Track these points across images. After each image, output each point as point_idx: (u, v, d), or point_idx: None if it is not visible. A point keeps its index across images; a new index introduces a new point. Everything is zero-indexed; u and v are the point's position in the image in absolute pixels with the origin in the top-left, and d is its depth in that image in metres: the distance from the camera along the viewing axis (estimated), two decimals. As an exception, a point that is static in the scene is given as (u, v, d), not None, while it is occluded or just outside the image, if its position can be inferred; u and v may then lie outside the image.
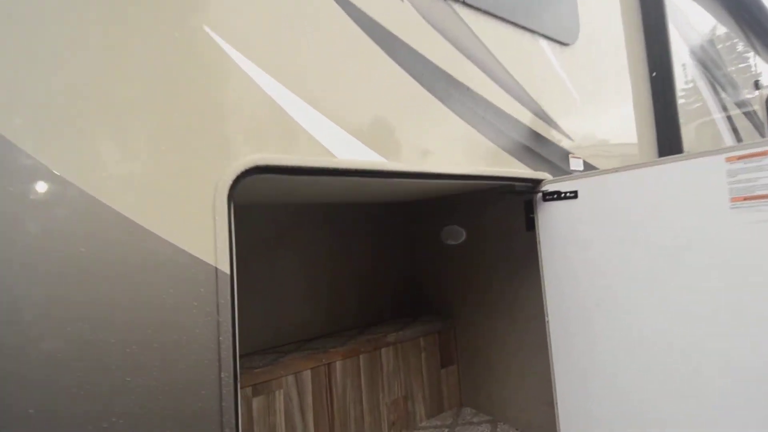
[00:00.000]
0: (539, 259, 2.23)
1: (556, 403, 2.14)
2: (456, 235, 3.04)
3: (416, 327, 2.89)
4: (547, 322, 2.20)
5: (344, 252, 3.12)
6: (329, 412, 2.43)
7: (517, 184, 2.13)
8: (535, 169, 2.18)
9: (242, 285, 2.66)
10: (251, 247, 2.66)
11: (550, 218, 2.18)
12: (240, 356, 2.42)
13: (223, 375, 1.14)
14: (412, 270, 3.49)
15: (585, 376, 2.04)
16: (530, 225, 2.56)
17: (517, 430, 2.63)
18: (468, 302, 2.98)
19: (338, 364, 2.49)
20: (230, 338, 1.16)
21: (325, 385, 2.43)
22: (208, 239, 1.14)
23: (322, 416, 2.40)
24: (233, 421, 1.15)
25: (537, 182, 2.16)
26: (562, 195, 2.11)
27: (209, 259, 1.14)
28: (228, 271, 1.17)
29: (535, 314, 2.50)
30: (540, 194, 2.19)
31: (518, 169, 2.09)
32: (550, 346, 2.17)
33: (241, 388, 2.08)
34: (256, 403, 2.17)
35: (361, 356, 2.59)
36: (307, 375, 2.36)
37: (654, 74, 3.12)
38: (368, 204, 3.28)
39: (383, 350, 2.69)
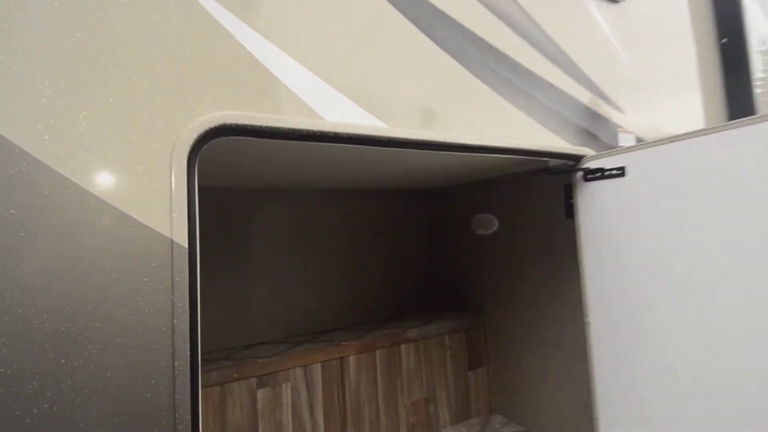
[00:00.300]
0: (578, 251, 1.92)
1: (596, 419, 1.83)
2: (487, 225, 2.76)
3: (441, 323, 2.65)
4: (587, 323, 1.89)
5: (364, 241, 2.94)
6: (341, 410, 2.26)
7: (552, 161, 1.83)
8: (576, 145, 1.87)
9: (251, 273, 2.63)
10: (261, 233, 2.55)
11: (593, 202, 1.86)
12: (247, 346, 2.33)
13: (177, 364, 0.99)
14: (439, 262, 3.24)
15: (633, 390, 1.71)
16: (570, 212, 2.24)
17: (552, 444, 2.32)
18: (500, 299, 2.69)
19: (352, 359, 2.31)
20: (187, 321, 1.00)
21: (337, 380, 2.26)
22: (162, 207, 1.00)
23: (333, 414, 2.23)
24: (188, 418, 0.99)
25: (577, 159, 1.85)
26: (607, 173, 1.79)
27: (163, 230, 0.99)
28: (186, 245, 1.02)
29: (578, 315, 2.18)
30: (581, 173, 1.87)
31: (553, 143, 1.79)
32: (591, 352, 1.86)
33: (240, 378, 1.98)
34: (261, 395, 2.04)
35: (377, 352, 2.39)
36: (317, 368, 2.21)
37: (724, 41, 2.64)
38: (391, 191, 3.07)
39: (403, 347, 2.48)
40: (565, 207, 2.27)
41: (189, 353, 1.01)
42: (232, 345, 2.38)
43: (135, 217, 0.96)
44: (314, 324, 2.67)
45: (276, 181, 2.33)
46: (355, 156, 1.63)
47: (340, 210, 2.86)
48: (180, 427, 0.98)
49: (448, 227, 3.20)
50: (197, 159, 1.08)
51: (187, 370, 1.00)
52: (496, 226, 2.71)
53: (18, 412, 0.85)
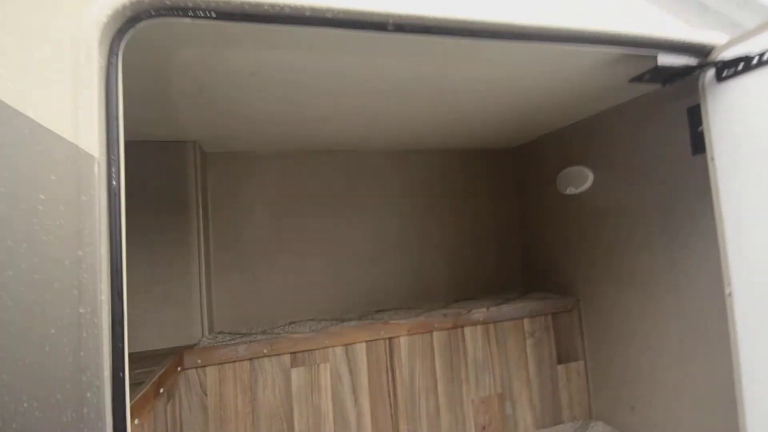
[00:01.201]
0: (714, 193, 1.30)
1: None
2: (579, 180, 2.16)
3: (518, 304, 2.14)
4: (729, 295, 1.27)
5: (430, 208, 2.54)
6: (391, 401, 1.91)
7: (663, 55, 1.24)
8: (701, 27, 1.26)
9: (292, 242, 2.42)
10: (303, 199, 2.32)
11: (734, 114, 1.24)
12: (288, 324, 2.10)
13: (83, 311, 0.74)
14: (523, 234, 2.70)
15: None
16: (698, 144, 1.59)
17: (679, 469, 1.68)
18: (600, 274, 2.08)
19: (403, 341, 1.95)
20: (97, 254, 0.75)
21: (386, 365, 1.92)
22: (64, 103, 0.76)
23: (382, 404, 1.90)
24: (103, 387, 0.74)
25: (704, 51, 1.24)
26: (756, 62, 1.15)
27: (65, 133, 0.75)
28: (96, 154, 0.77)
29: (713, 291, 1.52)
30: (712, 71, 1.25)
31: (661, 26, 1.20)
32: (735, 338, 1.24)
33: (270, 354, 1.75)
34: (295, 375, 1.79)
35: (434, 334, 1.99)
36: (362, 349, 1.89)
37: None
38: (456, 150, 2.62)
39: (467, 330, 2.04)
40: (691, 138, 1.62)
41: (108, 302, 0.76)
42: (274, 323, 2.19)
43: (30, 116, 0.74)
44: (370, 306, 2.36)
45: (296, 135, 2.07)
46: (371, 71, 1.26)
47: (398, 173, 2.51)
48: (89, 394, 0.73)
49: (527, 190, 2.64)
50: (120, 48, 0.82)
51: (100, 321, 0.75)
52: (590, 180, 2.11)
53: None
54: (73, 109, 0.76)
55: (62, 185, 0.74)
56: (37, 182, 0.72)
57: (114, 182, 0.80)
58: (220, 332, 2.01)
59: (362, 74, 1.35)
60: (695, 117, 1.60)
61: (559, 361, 2.17)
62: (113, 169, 0.79)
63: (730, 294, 1.27)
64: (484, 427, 2.02)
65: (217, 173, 2.20)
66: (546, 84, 1.57)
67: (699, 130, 1.59)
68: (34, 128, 0.72)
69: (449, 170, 2.61)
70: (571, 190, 2.21)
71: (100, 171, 0.78)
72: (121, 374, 0.78)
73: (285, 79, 1.33)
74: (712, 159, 1.29)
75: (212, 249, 2.15)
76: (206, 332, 1.91)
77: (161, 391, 1.32)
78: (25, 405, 0.66)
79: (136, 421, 1.07)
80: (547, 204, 2.45)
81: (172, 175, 1.90)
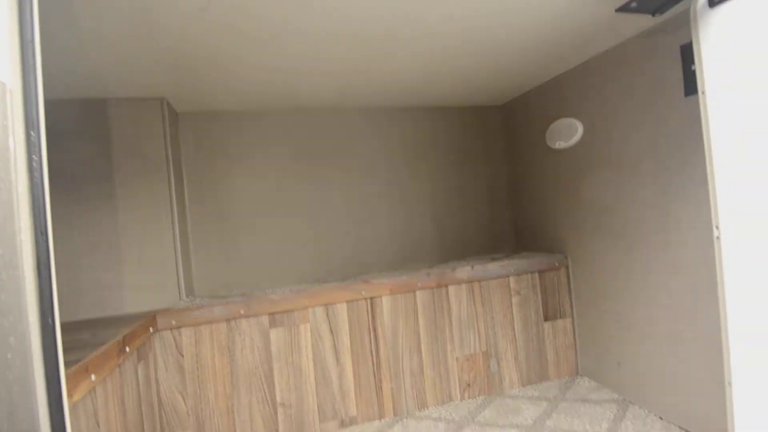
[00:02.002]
0: (704, 131, 1.23)
1: (729, 383, 1.18)
2: (568, 133, 2.08)
3: (504, 262, 2.09)
4: (717, 239, 1.21)
5: (417, 168, 2.47)
6: (374, 360, 1.89)
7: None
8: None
9: (274, 204, 2.27)
10: (285, 158, 2.24)
11: (727, 44, 1.14)
12: (268, 287, 2.06)
13: (0, 251, 0.68)
14: (512, 193, 2.63)
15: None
16: (691, 84, 1.50)
17: (661, 418, 1.67)
18: (589, 231, 2.02)
19: (385, 301, 1.91)
20: (13, 189, 0.68)
21: (368, 324, 1.89)
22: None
23: (365, 363, 1.88)
24: (28, 332, 0.68)
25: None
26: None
27: (-35, 54, 0.67)
28: (8, 82, 0.69)
29: (702, 242, 1.47)
30: (703, -4, 1.15)
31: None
32: (721, 280, 1.19)
33: (248, 315, 1.71)
34: (274, 335, 1.76)
35: (418, 293, 1.95)
36: (342, 309, 1.85)
37: None
38: (444, 108, 2.52)
39: (451, 289, 2.00)
40: (684, 78, 1.52)
41: (22, 235, 0.70)
42: (255, 287, 2.15)
43: None
44: (355, 270, 2.32)
45: (282, 94, 1.97)
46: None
47: (382, 132, 2.41)
48: (9, 356, 0.67)
49: (516, 148, 2.55)
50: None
51: (21, 262, 0.69)
52: (579, 133, 2.02)
53: None
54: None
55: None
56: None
57: (32, 112, 0.72)
58: (198, 297, 1.97)
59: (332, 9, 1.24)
60: (689, 55, 1.49)
61: (546, 319, 2.14)
62: (30, 99, 0.71)
63: (718, 237, 1.21)
64: (468, 384, 2.01)
65: (191, 134, 2.11)
66: (529, 21, 1.46)
67: (693, 68, 1.51)
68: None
69: (436, 129, 2.52)
70: (560, 145, 2.13)
71: (13, 99, 0.70)
72: (50, 320, 0.72)
73: (241, 14, 1.22)
74: (703, 93, 1.20)
75: (189, 213, 2.09)
76: (184, 296, 1.87)
77: (127, 349, 1.29)
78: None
79: (93, 377, 1.03)
80: (537, 161, 2.37)
81: (140, 135, 1.82)
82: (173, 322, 1.64)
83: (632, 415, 1.72)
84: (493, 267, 2.06)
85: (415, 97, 2.29)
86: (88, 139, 1.74)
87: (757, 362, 1.18)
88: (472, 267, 2.03)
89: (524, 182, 2.51)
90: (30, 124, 0.72)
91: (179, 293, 1.84)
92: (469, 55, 1.73)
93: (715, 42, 1.16)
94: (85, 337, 1.30)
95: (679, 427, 1.60)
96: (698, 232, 1.49)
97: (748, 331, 1.18)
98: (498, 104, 2.62)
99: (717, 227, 1.21)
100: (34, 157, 0.73)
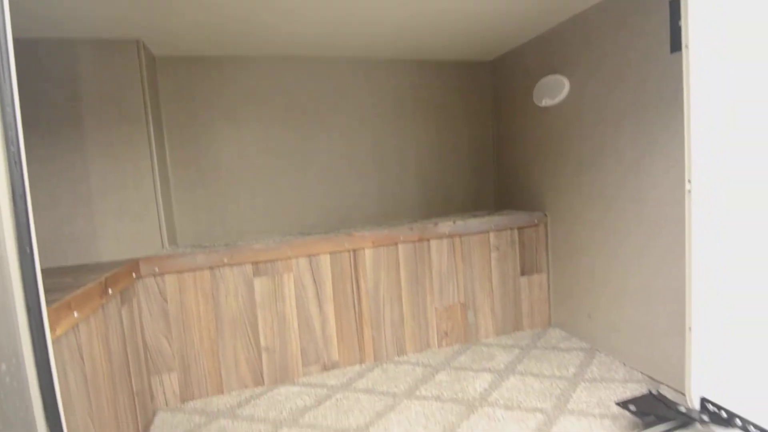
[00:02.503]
0: (684, 85, 1.24)
1: (689, 329, 1.26)
2: (555, 90, 2.06)
3: (485, 219, 2.13)
4: (688, 192, 1.25)
5: (405, 123, 2.44)
6: (356, 309, 1.95)
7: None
8: None
9: (260, 157, 2.27)
10: (270, 108, 2.19)
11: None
12: (252, 239, 2.07)
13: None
14: (497, 152, 2.64)
15: (750, 292, 1.10)
16: (677, 41, 1.49)
17: (624, 364, 1.79)
18: (568, 188, 2.06)
19: (368, 253, 1.95)
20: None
21: (351, 275, 1.93)
22: None
23: (347, 311, 1.94)
24: (7, 258, 0.69)
25: None
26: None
27: None
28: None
29: (674, 200, 1.51)
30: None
31: None
32: (689, 232, 1.24)
33: (231, 264, 1.72)
34: (258, 284, 1.80)
35: (400, 247, 1.99)
36: (325, 260, 1.89)
37: None
38: (439, 61, 2.46)
39: (433, 243, 2.04)
40: (670, 34, 1.51)
41: (6, 172, 0.69)
42: (239, 238, 2.17)
43: None
44: (339, 224, 2.34)
45: (267, 39, 1.90)
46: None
47: (370, 84, 2.37)
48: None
49: (503, 107, 2.54)
50: None
51: (2, 200, 0.68)
52: (566, 90, 2.01)
53: None
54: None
55: None
56: None
57: (2, 56, 0.69)
58: (181, 246, 1.98)
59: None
60: (676, 10, 1.48)
61: (523, 273, 2.22)
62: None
63: (689, 191, 1.25)
64: (446, 333, 2.10)
65: (170, 80, 2.04)
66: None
67: (680, 24, 1.49)
68: None
69: (424, 83, 2.48)
70: (546, 102, 2.12)
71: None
72: (28, 249, 0.73)
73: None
74: (687, 46, 1.21)
75: (169, 162, 2.06)
76: (166, 245, 1.88)
77: (110, 291, 1.30)
78: None
79: (76, 313, 1.05)
80: (523, 120, 2.36)
81: (115, 79, 1.75)
82: (156, 269, 1.66)
83: (598, 362, 1.83)
84: (474, 223, 2.10)
85: (404, 49, 2.23)
86: (57, 82, 1.67)
87: (715, 309, 1.26)
88: (454, 222, 2.07)
89: (510, 140, 2.51)
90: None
91: (162, 242, 1.85)
92: (457, 6, 1.68)
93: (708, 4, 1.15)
94: (68, 281, 1.31)
95: (641, 372, 1.72)
96: (675, 191, 1.53)
97: (709, 280, 1.25)
98: (488, 60, 2.57)
99: (689, 181, 1.25)
100: (4, 89, 0.70)
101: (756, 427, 1.20)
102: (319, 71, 2.27)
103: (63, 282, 1.29)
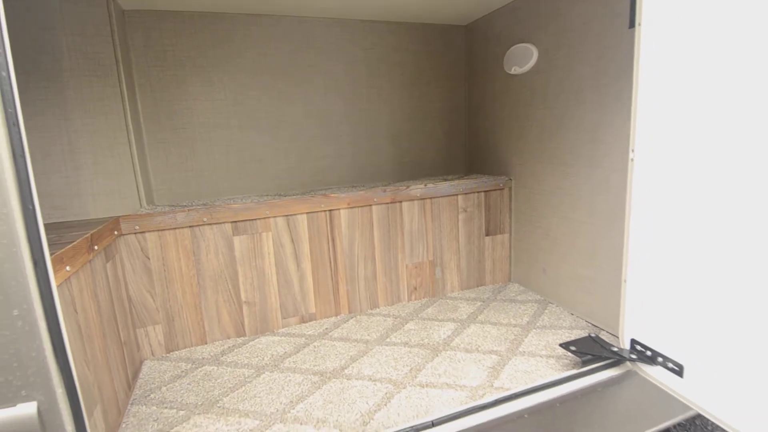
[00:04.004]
0: (635, 62, 1.36)
1: (625, 281, 1.45)
2: (524, 58, 2.15)
3: (455, 182, 2.26)
4: (631, 160, 1.40)
5: (380, 85, 2.48)
6: (332, 266, 2.07)
7: None
8: None
9: (235, 116, 2.31)
10: (246, 75, 2.18)
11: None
12: (230, 199, 2.13)
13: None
14: (469, 118, 2.73)
15: (675, 249, 1.28)
16: (635, 17, 1.59)
17: (572, 314, 2.01)
18: (531, 154, 2.20)
19: (343, 213, 2.05)
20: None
21: (327, 235, 2.04)
22: None
23: (323, 268, 2.06)
24: (12, 215, 0.75)
25: None
26: None
27: None
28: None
29: (622, 167, 1.67)
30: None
31: None
32: (630, 196, 1.40)
33: (211, 223, 1.80)
34: (238, 242, 1.88)
35: (374, 208, 2.10)
36: (302, 220, 1.98)
37: None
38: (416, 24, 2.47)
39: (405, 204, 2.16)
40: (630, 10, 1.61)
41: (6, 135, 0.73)
42: (216, 197, 2.21)
43: None
44: (314, 186, 2.41)
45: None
46: None
47: (345, 46, 2.37)
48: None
49: (476, 72, 2.61)
50: None
51: (4, 160, 0.73)
52: (534, 58, 2.10)
53: None
54: None
55: None
56: None
57: None
58: (159, 205, 2.01)
59: None
60: (637, -14, 1.58)
61: (487, 234, 2.39)
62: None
63: (632, 159, 1.40)
64: (415, 288, 2.27)
65: (140, 34, 1.98)
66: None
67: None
68: None
69: (400, 46, 2.50)
70: (515, 70, 2.21)
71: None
72: (30, 206, 0.79)
73: None
74: (640, 24, 1.31)
75: (143, 119, 2.04)
76: (144, 204, 1.91)
77: (95, 248, 1.36)
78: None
79: (68, 268, 1.11)
80: (493, 85, 2.45)
81: (86, 32, 1.70)
82: (137, 227, 1.71)
83: (549, 312, 2.05)
84: (444, 186, 2.23)
85: (379, 9, 2.23)
86: (28, 35, 1.62)
87: (648, 264, 1.45)
88: (425, 185, 2.19)
89: (481, 106, 2.60)
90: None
91: (139, 201, 1.88)
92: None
93: None
94: (52, 237, 1.36)
95: (585, 320, 1.94)
96: (623, 159, 1.69)
97: (644, 239, 1.43)
98: (462, 24, 2.61)
99: (633, 150, 1.39)
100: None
101: (672, 362, 1.43)
102: (293, 30, 2.25)
103: (48, 238, 1.34)
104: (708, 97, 1.15)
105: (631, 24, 1.64)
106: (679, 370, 1.31)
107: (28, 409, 0.82)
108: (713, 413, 1.21)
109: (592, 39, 1.78)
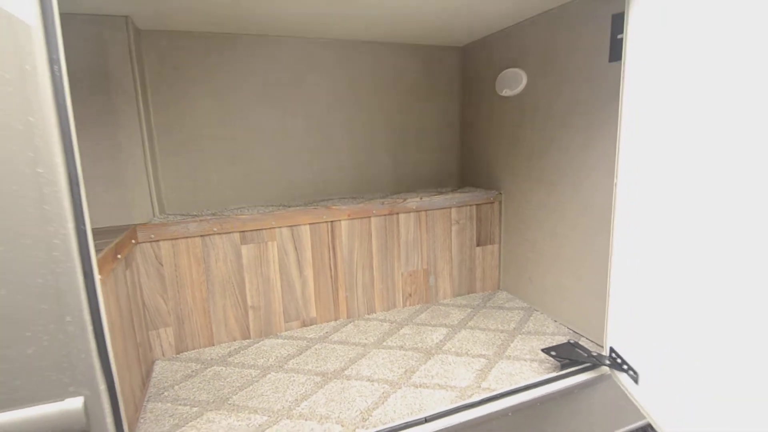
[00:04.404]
0: (620, 95, 1.50)
1: (608, 296, 1.60)
2: (514, 82, 2.30)
3: (448, 196, 2.40)
4: (615, 185, 1.55)
5: (378, 103, 2.62)
6: (332, 273, 2.21)
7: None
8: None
9: (242, 131, 2.46)
10: (254, 85, 2.31)
11: (651, 22, 1.37)
12: (236, 208, 2.26)
13: (41, 170, 0.84)
14: (462, 134, 2.88)
15: (657, 272, 1.43)
16: (615, 52, 1.75)
17: (555, 321, 2.16)
18: (520, 170, 2.35)
19: (344, 224, 2.18)
20: (48, 119, 0.83)
21: (328, 244, 2.17)
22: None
23: (324, 275, 2.19)
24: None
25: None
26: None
27: (-6, -3, 0.77)
28: (33, 24, 0.80)
29: (604, 187, 1.83)
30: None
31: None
32: (614, 217, 1.55)
33: (221, 232, 1.93)
34: (246, 251, 2.00)
35: (372, 219, 2.24)
36: (305, 230, 2.11)
37: None
38: (415, 45, 2.62)
39: (401, 216, 2.30)
40: (610, 45, 1.77)
41: (56, 158, 0.86)
42: (224, 208, 2.34)
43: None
44: (315, 197, 2.54)
45: (259, 21, 2.00)
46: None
47: (346, 64, 2.50)
48: (56, 253, 0.87)
49: (470, 91, 2.76)
50: None
51: (58, 179, 0.86)
52: (524, 83, 2.25)
53: None
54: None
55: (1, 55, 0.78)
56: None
57: (53, 53, 0.84)
58: (171, 214, 2.13)
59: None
60: (617, 24, 1.74)
61: (478, 244, 2.54)
62: (51, 38, 0.83)
63: (616, 184, 1.55)
64: (410, 295, 2.41)
65: (153, 50, 2.10)
66: None
67: (618, 37, 1.75)
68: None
69: (398, 65, 2.64)
70: (506, 92, 2.36)
71: (39, 40, 0.81)
72: (82, 226, 0.91)
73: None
74: (624, 63, 1.46)
75: (156, 132, 2.16)
76: (157, 213, 2.03)
77: (119, 256, 1.48)
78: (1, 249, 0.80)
79: (99, 276, 1.23)
80: (485, 105, 2.60)
81: (105, 52, 1.82)
82: (152, 236, 1.83)
83: (534, 319, 2.20)
84: (439, 199, 2.37)
85: (379, 32, 2.37)
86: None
87: (627, 280, 1.59)
88: (421, 198, 2.33)
89: (474, 123, 2.76)
90: (53, 61, 0.85)
91: (152, 210, 1.99)
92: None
93: (642, 18, 1.39)
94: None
95: (567, 327, 2.10)
96: (603, 180, 1.85)
97: (626, 257, 1.58)
98: (458, 46, 2.76)
99: (617, 176, 1.55)
100: (59, 89, 0.86)
101: (633, 369, 1.57)
102: (300, 50, 2.38)
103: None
104: (686, 131, 1.31)
105: (612, 58, 1.81)
106: (635, 377, 1.46)
107: (75, 403, 0.95)
108: (655, 420, 1.36)
109: (577, 69, 1.93)
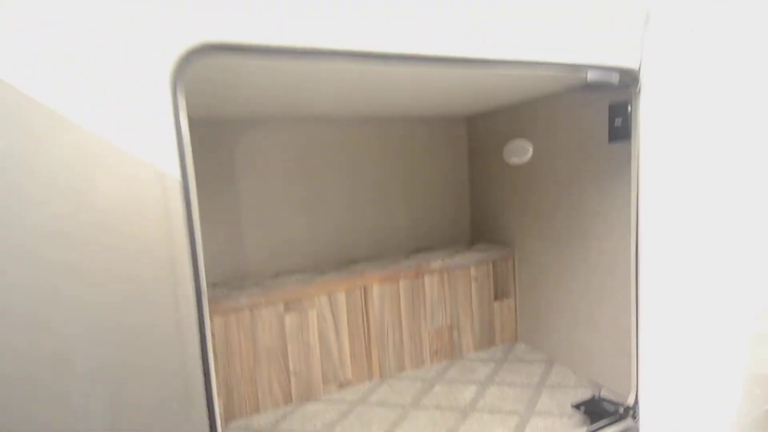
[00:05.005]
0: (632, 174, 1.71)
1: (634, 352, 1.76)
2: (521, 152, 2.57)
3: (466, 255, 2.60)
4: (635, 254, 1.75)
5: (394, 169, 2.85)
6: (366, 335, 2.35)
7: (591, 72, 1.59)
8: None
9: (275, 201, 2.68)
10: (284, 161, 2.52)
11: (653, 114, 1.62)
12: (275, 275, 2.42)
13: (179, 292, 1.01)
14: (472, 193, 3.12)
15: (685, 340, 1.62)
16: (614, 134, 2.02)
17: (575, 373, 2.33)
18: (531, 230, 2.58)
19: (375, 288, 2.35)
20: (183, 248, 1.01)
21: (362, 308, 2.33)
22: (148, 136, 0.96)
23: (358, 337, 2.33)
24: (196, 341, 1.04)
25: (623, 70, 1.60)
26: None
27: (152, 161, 0.96)
28: (179, 177, 0.99)
29: (610, 249, 2.05)
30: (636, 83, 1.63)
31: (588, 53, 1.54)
32: (634, 291, 1.73)
33: (267, 304, 2.09)
34: (289, 319, 2.15)
35: (400, 282, 2.42)
36: (342, 296, 2.27)
37: None
38: (416, 118, 2.89)
39: (426, 277, 2.49)
40: (609, 129, 2.04)
41: (192, 280, 1.03)
42: (262, 274, 2.49)
43: (122, 148, 0.93)
44: (340, 255, 2.72)
45: (286, 108, 2.24)
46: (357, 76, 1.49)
47: (369, 138, 2.75)
48: (189, 350, 1.03)
49: (477, 156, 3.03)
50: (181, 82, 1.01)
51: (192, 296, 1.02)
52: (530, 153, 2.52)
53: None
54: (157, 140, 0.96)
55: (152, 205, 0.97)
56: (131, 204, 0.95)
57: (191, 197, 1.03)
58: (215, 284, 2.28)
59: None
60: (614, 111, 2.01)
61: (496, 299, 2.72)
62: (189, 187, 1.02)
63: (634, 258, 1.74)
64: (436, 351, 2.56)
65: (195, 135, 2.31)
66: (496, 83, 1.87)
67: (615, 123, 2.03)
68: (126, 160, 0.93)
69: (411, 135, 2.90)
70: (514, 161, 2.62)
71: (183, 190, 1.01)
72: (198, 288, 1.06)
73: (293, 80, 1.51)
74: (636, 142, 1.67)
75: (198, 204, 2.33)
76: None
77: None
78: (130, 302, 0.96)
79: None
80: (494, 170, 2.86)
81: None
82: (205, 311, 1.96)
83: (555, 371, 2.36)
84: (459, 259, 2.57)
85: (396, 111, 2.64)
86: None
87: (656, 336, 1.76)
88: (443, 260, 2.52)
89: (484, 185, 3.00)
90: (188, 205, 1.03)
91: (200, 284, 2.14)
92: (449, 96, 2.12)
93: (645, 110, 1.64)
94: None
95: (587, 378, 2.26)
96: (611, 243, 2.07)
97: (649, 318, 1.75)
98: (465, 117, 3.04)
99: (635, 250, 1.74)
100: (191, 225, 1.04)
101: (657, 424, 1.72)
102: (328, 128, 2.62)
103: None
104: (696, 215, 1.54)
105: (611, 139, 2.08)
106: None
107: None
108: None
109: (578, 144, 2.20)
